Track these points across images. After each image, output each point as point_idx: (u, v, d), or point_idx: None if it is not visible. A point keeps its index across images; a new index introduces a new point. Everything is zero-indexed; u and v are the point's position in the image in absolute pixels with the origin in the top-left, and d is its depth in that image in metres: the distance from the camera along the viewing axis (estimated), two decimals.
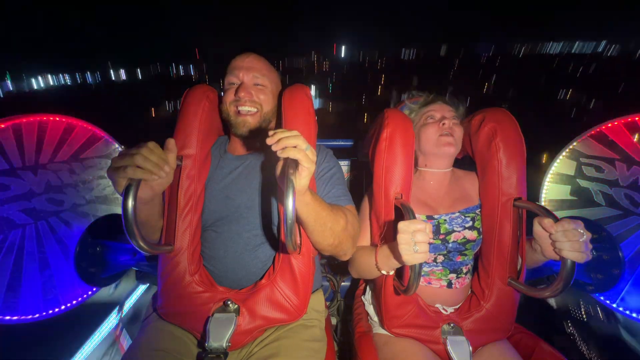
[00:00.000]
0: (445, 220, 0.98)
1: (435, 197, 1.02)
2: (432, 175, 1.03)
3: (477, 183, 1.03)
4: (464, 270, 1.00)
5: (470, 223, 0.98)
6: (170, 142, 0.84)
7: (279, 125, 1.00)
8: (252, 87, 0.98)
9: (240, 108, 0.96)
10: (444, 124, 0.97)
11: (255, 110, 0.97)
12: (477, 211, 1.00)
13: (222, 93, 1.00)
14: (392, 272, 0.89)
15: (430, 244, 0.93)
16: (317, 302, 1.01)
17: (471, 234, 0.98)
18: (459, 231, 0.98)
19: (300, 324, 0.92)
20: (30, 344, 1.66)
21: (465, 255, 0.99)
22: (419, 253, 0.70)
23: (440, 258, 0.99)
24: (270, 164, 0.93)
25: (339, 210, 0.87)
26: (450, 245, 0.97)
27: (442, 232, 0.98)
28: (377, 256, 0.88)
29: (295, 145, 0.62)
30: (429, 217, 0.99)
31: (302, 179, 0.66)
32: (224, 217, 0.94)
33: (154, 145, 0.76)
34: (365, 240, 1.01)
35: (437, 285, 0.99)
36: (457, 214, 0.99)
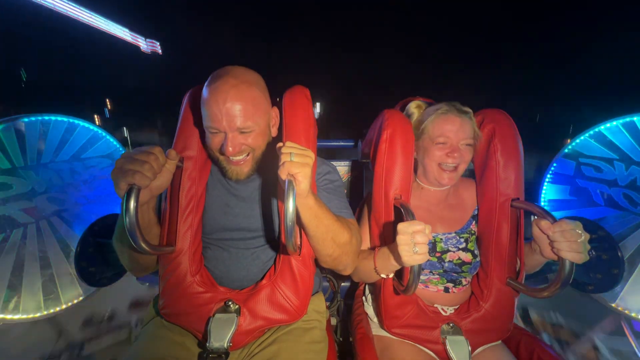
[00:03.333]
0: (441, 239, 0.98)
1: (433, 214, 1.01)
2: (430, 192, 1.02)
3: (475, 188, 1.03)
4: (463, 282, 0.99)
5: (464, 244, 0.98)
6: (172, 153, 0.84)
7: (280, 125, 1.01)
8: (239, 137, 0.82)
9: (231, 157, 0.85)
10: (454, 156, 0.91)
11: (247, 154, 0.86)
12: (472, 225, 1.00)
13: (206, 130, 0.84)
14: (391, 275, 0.90)
15: (427, 260, 0.90)
16: (318, 303, 1.02)
17: (466, 256, 0.97)
18: (454, 251, 0.97)
19: (301, 326, 0.92)
20: (30, 343, 1.66)
21: (463, 276, 0.98)
22: (418, 254, 0.71)
23: (437, 277, 0.98)
24: (272, 167, 0.93)
25: (345, 222, 0.85)
26: (446, 265, 0.97)
27: (437, 250, 0.97)
28: (376, 260, 0.88)
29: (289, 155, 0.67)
30: None
31: (300, 183, 0.67)
32: (225, 223, 0.94)
33: (160, 152, 0.76)
34: (365, 243, 1.01)
35: (435, 290, 0.99)
36: (453, 234, 0.99)
